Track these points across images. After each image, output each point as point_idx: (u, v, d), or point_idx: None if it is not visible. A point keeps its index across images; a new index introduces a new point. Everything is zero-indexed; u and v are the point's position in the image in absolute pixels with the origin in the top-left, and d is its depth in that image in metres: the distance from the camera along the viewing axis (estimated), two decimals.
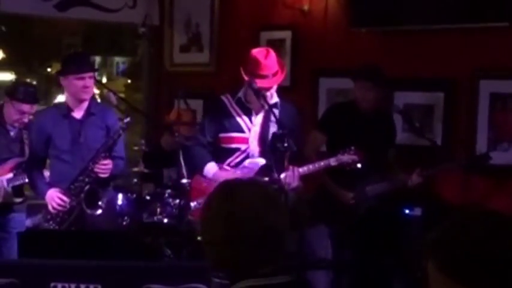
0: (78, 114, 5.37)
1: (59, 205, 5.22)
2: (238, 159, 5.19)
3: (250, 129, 5.19)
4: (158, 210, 5.88)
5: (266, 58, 5.09)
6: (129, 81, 10.57)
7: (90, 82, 5.32)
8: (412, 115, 6.04)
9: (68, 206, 5.21)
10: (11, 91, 5.79)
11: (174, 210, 5.81)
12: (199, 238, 3.36)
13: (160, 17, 7.76)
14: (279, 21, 7.01)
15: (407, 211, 5.75)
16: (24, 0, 7.08)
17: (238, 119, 5.19)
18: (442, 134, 6.12)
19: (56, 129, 5.34)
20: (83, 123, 5.35)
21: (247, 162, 5.18)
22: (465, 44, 6.01)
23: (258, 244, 2.14)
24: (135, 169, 6.24)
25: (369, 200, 5.58)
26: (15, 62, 9.83)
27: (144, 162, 6.29)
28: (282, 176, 4.92)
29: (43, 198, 5.31)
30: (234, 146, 5.20)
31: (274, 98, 5.16)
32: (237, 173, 5.09)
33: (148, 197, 6.05)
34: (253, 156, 5.18)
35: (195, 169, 5.30)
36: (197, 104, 7.17)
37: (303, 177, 5.12)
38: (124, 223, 5.84)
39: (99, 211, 5.20)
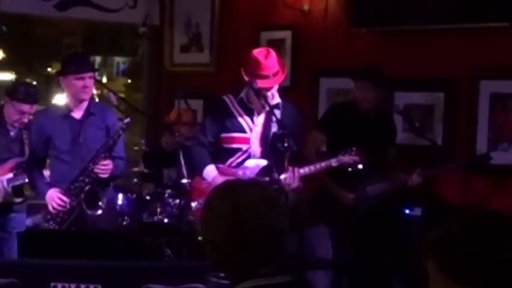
0: (77, 114, 5.37)
1: (59, 205, 5.21)
2: (239, 160, 5.18)
3: (252, 129, 5.18)
4: (158, 210, 5.88)
5: (266, 58, 5.09)
6: (129, 81, 10.58)
7: (90, 82, 5.31)
8: (412, 115, 6.04)
9: (68, 206, 5.21)
10: (11, 91, 5.78)
11: (174, 210, 5.81)
12: (199, 238, 3.36)
13: (160, 17, 7.76)
14: (279, 21, 7.01)
15: (407, 211, 5.75)
16: (25, 0, 7.09)
17: (240, 119, 5.19)
18: (442, 134, 6.12)
19: (56, 129, 5.34)
20: (83, 123, 5.35)
21: (248, 162, 5.17)
22: (465, 44, 6.01)
23: (259, 244, 2.14)
24: (135, 169, 6.25)
25: (369, 200, 5.58)
26: (15, 62, 9.84)
27: (144, 162, 6.29)
28: (282, 176, 4.92)
29: (43, 198, 5.31)
30: (235, 146, 5.19)
31: (276, 99, 5.15)
32: (238, 175, 5.08)
33: (148, 197, 6.05)
34: (254, 157, 5.17)
35: (195, 170, 5.30)
36: (197, 104, 7.17)
37: (303, 178, 5.12)
38: (124, 223, 5.84)
39: (100, 211, 5.20)
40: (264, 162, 5.13)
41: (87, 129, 5.34)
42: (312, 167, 5.14)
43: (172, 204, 5.85)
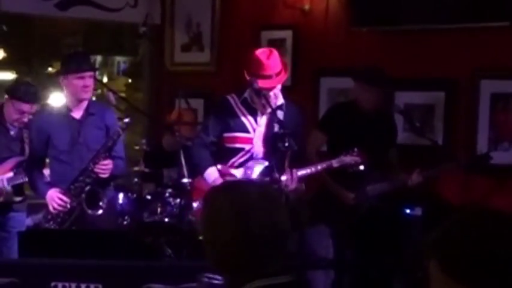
0: (77, 114, 5.36)
1: (59, 205, 5.21)
2: (242, 160, 5.17)
3: (255, 129, 5.16)
4: (159, 209, 5.88)
5: (269, 58, 5.07)
6: (130, 80, 10.55)
7: (90, 81, 5.31)
8: (413, 115, 6.04)
9: (68, 207, 5.21)
10: (11, 90, 5.78)
11: (174, 209, 5.80)
12: (200, 238, 3.35)
13: (161, 17, 7.76)
14: (279, 20, 7.01)
15: (408, 211, 5.75)
16: None
17: (243, 119, 5.17)
18: (443, 133, 6.12)
19: (55, 129, 5.34)
20: (82, 123, 5.34)
21: (252, 166, 5.15)
22: (466, 44, 6.01)
23: (265, 243, 2.13)
24: (136, 168, 6.24)
25: (369, 199, 5.58)
26: (16, 62, 9.82)
27: (144, 161, 6.29)
28: (283, 178, 4.91)
29: (43, 198, 5.31)
30: (238, 146, 5.17)
31: (279, 99, 5.14)
32: (238, 177, 5.07)
33: (149, 197, 6.05)
34: (257, 157, 5.16)
35: (196, 170, 5.29)
36: (198, 104, 7.18)
37: (304, 178, 5.11)
38: (125, 223, 5.84)
39: (100, 211, 5.20)
40: (266, 164, 5.12)
41: (86, 129, 5.34)
42: (313, 169, 5.13)
43: (172, 203, 5.85)
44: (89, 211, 5.18)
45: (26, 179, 5.60)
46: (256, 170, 5.12)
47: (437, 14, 6.01)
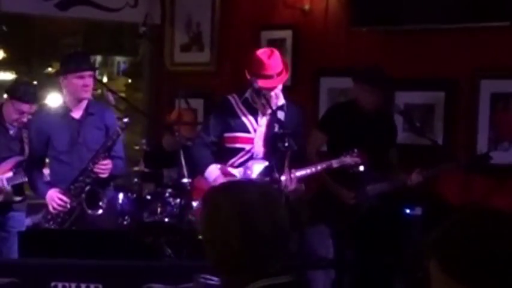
0: (76, 114, 5.36)
1: (59, 205, 5.21)
2: (242, 160, 5.16)
3: (256, 129, 5.16)
4: (159, 209, 5.88)
5: (270, 58, 5.07)
6: (129, 80, 10.55)
7: (89, 81, 5.31)
8: (413, 115, 6.04)
9: (68, 207, 5.21)
10: (11, 90, 5.78)
11: (174, 209, 5.81)
12: (200, 237, 3.35)
13: (161, 17, 7.76)
14: (279, 20, 7.01)
15: (408, 211, 5.75)
16: None
17: (244, 119, 5.16)
18: (443, 133, 6.12)
19: (55, 129, 5.33)
20: (82, 123, 5.34)
21: (252, 166, 5.15)
22: (466, 44, 6.01)
23: (262, 244, 2.13)
24: (136, 168, 6.24)
25: (369, 199, 5.58)
26: (16, 62, 9.82)
27: (144, 161, 6.29)
28: (282, 178, 4.91)
29: (43, 198, 5.31)
30: (238, 145, 5.17)
31: (280, 100, 5.13)
32: (237, 177, 5.07)
33: (149, 197, 6.05)
34: (257, 157, 5.16)
35: (196, 169, 5.29)
36: (198, 104, 7.18)
37: (304, 178, 5.11)
38: (125, 222, 5.84)
39: (100, 211, 5.20)
40: (266, 164, 5.12)
41: (86, 129, 5.34)
42: (312, 168, 5.12)
43: (172, 203, 5.85)
44: (89, 211, 5.18)
45: (26, 179, 5.60)
46: (256, 169, 5.11)
47: (438, 14, 6.01)
